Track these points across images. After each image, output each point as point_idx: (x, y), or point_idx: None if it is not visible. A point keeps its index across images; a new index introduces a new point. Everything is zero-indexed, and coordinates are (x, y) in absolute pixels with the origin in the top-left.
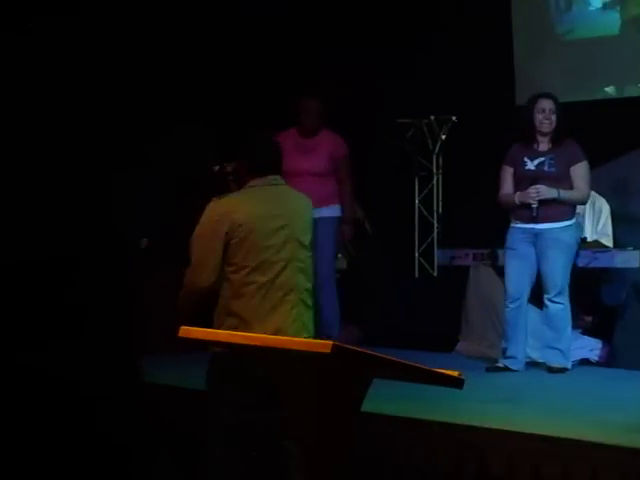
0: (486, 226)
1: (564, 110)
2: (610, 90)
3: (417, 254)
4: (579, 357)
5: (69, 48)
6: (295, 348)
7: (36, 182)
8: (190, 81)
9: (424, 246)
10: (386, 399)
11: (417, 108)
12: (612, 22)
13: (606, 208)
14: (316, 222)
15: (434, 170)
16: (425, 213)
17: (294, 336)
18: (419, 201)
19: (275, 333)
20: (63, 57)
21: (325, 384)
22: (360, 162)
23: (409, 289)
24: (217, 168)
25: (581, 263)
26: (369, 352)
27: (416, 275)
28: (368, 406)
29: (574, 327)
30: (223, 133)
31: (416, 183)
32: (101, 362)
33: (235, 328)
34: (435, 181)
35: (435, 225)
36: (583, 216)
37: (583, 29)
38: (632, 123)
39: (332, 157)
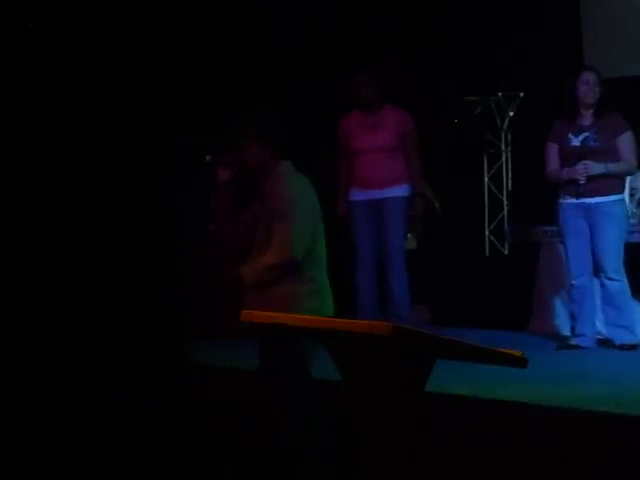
0: (556, 203)
1: (606, 84)
2: None
3: (487, 232)
4: None
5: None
6: (356, 330)
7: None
8: (252, 68)
9: (494, 224)
10: (454, 379)
11: (485, 85)
12: None
13: None
14: (385, 202)
15: (503, 147)
16: (495, 191)
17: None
18: (488, 179)
19: None
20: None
21: (386, 366)
22: (428, 141)
23: (480, 268)
24: (209, 158)
25: None
26: (429, 333)
27: (487, 253)
28: (435, 386)
29: None
30: (286, 120)
31: (485, 161)
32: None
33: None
34: (504, 158)
35: (505, 203)
36: None
37: None
38: None
39: (398, 131)
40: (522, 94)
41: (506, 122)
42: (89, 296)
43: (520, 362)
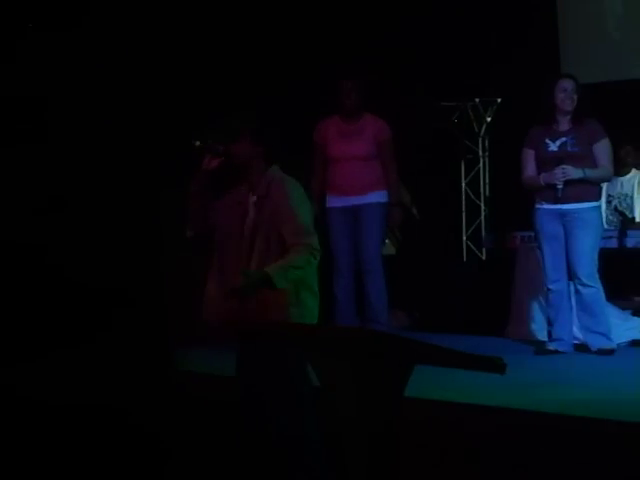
0: (533, 208)
1: (584, 90)
2: None
3: (465, 238)
4: (630, 338)
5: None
6: (334, 336)
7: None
8: (229, 71)
9: (472, 230)
10: (432, 384)
11: (462, 91)
12: None
13: None
14: (362, 208)
15: (480, 153)
16: (472, 196)
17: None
18: (466, 184)
19: None
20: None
21: (364, 371)
22: (406, 146)
23: (457, 273)
24: (198, 143)
25: (630, 243)
26: (408, 339)
27: (464, 259)
28: (413, 391)
29: (624, 308)
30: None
31: (462, 166)
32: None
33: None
34: (481, 164)
35: (482, 208)
36: (632, 197)
37: None
38: None
39: (377, 140)
40: (499, 100)
41: (483, 128)
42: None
43: (499, 367)
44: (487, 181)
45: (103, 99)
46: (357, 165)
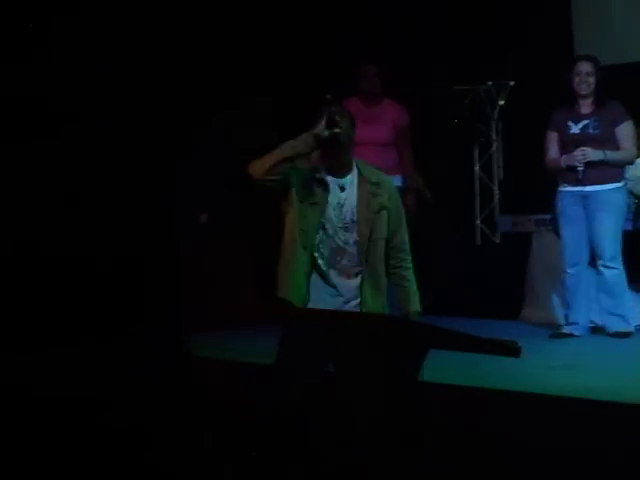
0: (547, 191)
1: (605, 72)
2: None
3: (478, 221)
4: None
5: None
6: (351, 320)
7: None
8: (245, 52)
9: (485, 213)
10: (447, 368)
11: (475, 74)
12: None
13: None
14: None
15: (493, 136)
16: (486, 180)
17: None
18: (479, 168)
19: None
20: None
21: (380, 356)
22: (419, 130)
23: (471, 257)
24: (329, 97)
25: None
26: (424, 323)
27: (478, 243)
28: (430, 375)
29: (638, 290)
30: (279, 104)
31: (475, 150)
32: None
33: None
34: (495, 147)
35: (496, 192)
36: None
37: None
38: None
39: (395, 126)
40: (512, 83)
41: (496, 111)
42: (84, 291)
43: (513, 351)
44: (500, 165)
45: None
46: (375, 150)
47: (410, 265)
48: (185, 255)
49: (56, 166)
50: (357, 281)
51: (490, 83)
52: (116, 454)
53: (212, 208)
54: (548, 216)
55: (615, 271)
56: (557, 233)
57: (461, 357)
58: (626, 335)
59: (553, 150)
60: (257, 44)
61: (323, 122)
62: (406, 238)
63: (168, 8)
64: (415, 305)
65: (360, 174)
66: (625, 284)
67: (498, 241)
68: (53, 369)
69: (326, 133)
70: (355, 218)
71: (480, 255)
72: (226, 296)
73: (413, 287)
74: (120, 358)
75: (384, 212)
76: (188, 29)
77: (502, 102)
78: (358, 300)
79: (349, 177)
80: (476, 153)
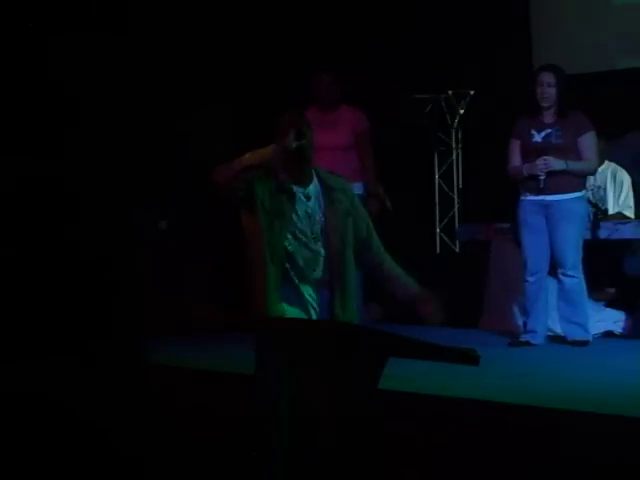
0: (507, 200)
1: (569, 81)
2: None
3: (438, 230)
4: (603, 329)
5: None
6: (309, 328)
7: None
8: (207, 62)
9: (445, 222)
10: (406, 376)
11: (435, 83)
12: None
13: (627, 180)
14: None
15: (453, 145)
16: (445, 189)
17: None
18: (439, 176)
19: None
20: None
21: (340, 364)
22: (379, 139)
23: (431, 266)
24: (295, 144)
25: (603, 235)
26: (384, 331)
27: (437, 251)
28: (389, 384)
29: (597, 299)
30: (240, 113)
31: (435, 158)
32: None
33: None
34: (455, 156)
35: (456, 200)
36: (605, 189)
37: None
38: None
39: (354, 131)
40: (472, 92)
41: (456, 120)
42: (42, 296)
43: (473, 360)
44: (460, 173)
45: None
46: (334, 156)
47: (391, 259)
48: (145, 262)
49: (17, 167)
50: (328, 294)
51: (450, 92)
52: (77, 460)
53: (172, 215)
54: (508, 225)
55: (575, 280)
56: (517, 242)
57: (419, 365)
58: (584, 344)
59: (515, 158)
60: (217, 52)
61: (292, 134)
62: (378, 240)
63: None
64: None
65: (322, 182)
66: (585, 293)
67: (458, 250)
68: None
69: (294, 145)
70: (323, 226)
71: (440, 263)
72: (183, 305)
73: (404, 272)
74: (80, 365)
75: (349, 219)
76: (152, 37)
77: (462, 111)
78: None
79: (312, 186)
80: (436, 162)
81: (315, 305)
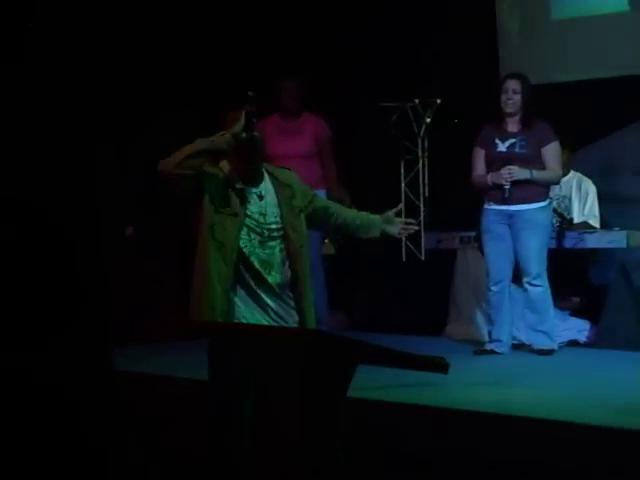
0: (473, 209)
1: (533, 91)
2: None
3: (404, 238)
4: (567, 338)
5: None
6: (276, 336)
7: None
8: (173, 66)
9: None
10: (374, 384)
11: (402, 91)
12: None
13: (592, 189)
14: None
15: (420, 153)
16: (412, 197)
17: None
18: (405, 185)
19: None
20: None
21: (309, 371)
22: (345, 147)
23: (396, 273)
24: (251, 94)
25: (568, 244)
26: (353, 339)
27: (403, 259)
28: (355, 392)
29: (562, 308)
30: (207, 118)
31: (402, 167)
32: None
33: None
34: (421, 164)
35: (422, 209)
36: (570, 198)
37: (570, 8)
38: (617, 104)
39: (316, 139)
40: (439, 101)
41: (423, 128)
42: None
43: (442, 367)
44: (426, 182)
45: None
46: (297, 163)
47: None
48: (111, 268)
49: None
50: (290, 299)
51: (417, 100)
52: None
53: (138, 221)
54: (473, 233)
55: (540, 288)
56: (482, 250)
57: (384, 373)
58: (549, 352)
59: (480, 167)
60: (184, 58)
61: (241, 122)
62: (334, 203)
63: (92, 20)
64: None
65: (274, 178)
66: (550, 302)
67: (423, 258)
68: None
69: (244, 135)
70: (280, 226)
71: (405, 271)
72: (149, 311)
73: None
74: (46, 369)
75: (302, 215)
76: (113, 40)
77: (429, 119)
78: (296, 318)
79: (263, 184)
80: (402, 170)
81: (276, 309)
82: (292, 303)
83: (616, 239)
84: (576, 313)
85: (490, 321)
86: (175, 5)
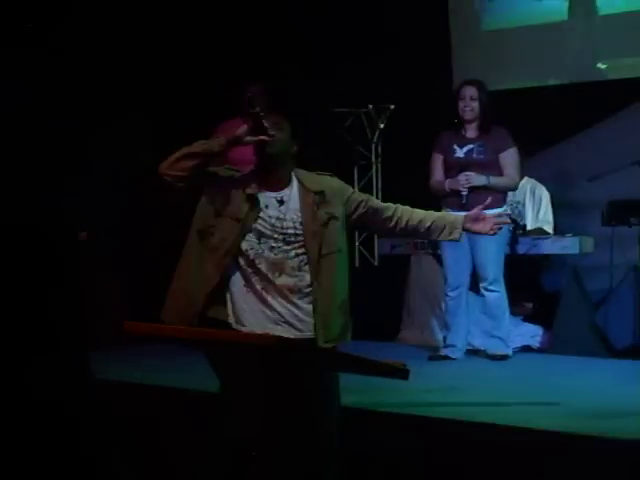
0: None
1: (491, 97)
2: (545, 79)
3: (357, 243)
4: (520, 344)
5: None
6: (240, 341)
7: None
8: (128, 72)
9: (364, 236)
10: None
11: (355, 97)
12: (537, 11)
13: (546, 195)
14: None
15: (373, 159)
16: None
17: None
18: (359, 190)
19: None
20: None
21: (270, 377)
22: (299, 152)
23: (350, 279)
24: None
25: (521, 250)
26: (315, 345)
27: (357, 265)
28: None
29: (515, 314)
30: (160, 124)
31: (355, 172)
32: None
33: None
34: (374, 170)
35: None
36: (524, 205)
37: (506, 19)
38: (570, 110)
39: None
40: (392, 106)
41: (377, 134)
42: None
43: (402, 373)
44: (380, 187)
45: None
46: None
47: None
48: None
49: None
50: (308, 306)
51: (371, 106)
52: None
53: (92, 226)
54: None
55: (497, 294)
56: (435, 256)
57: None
58: (504, 358)
59: (438, 173)
60: (139, 62)
61: (244, 127)
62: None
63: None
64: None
65: (302, 185)
66: (506, 307)
67: (376, 263)
68: None
69: (247, 139)
70: (300, 232)
71: (358, 277)
72: (103, 316)
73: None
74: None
75: (333, 222)
76: (70, 43)
77: (382, 125)
78: (311, 327)
79: (287, 190)
80: (356, 175)
81: (284, 314)
82: (308, 309)
83: (568, 245)
84: (529, 319)
85: (445, 326)
86: (124, 9)
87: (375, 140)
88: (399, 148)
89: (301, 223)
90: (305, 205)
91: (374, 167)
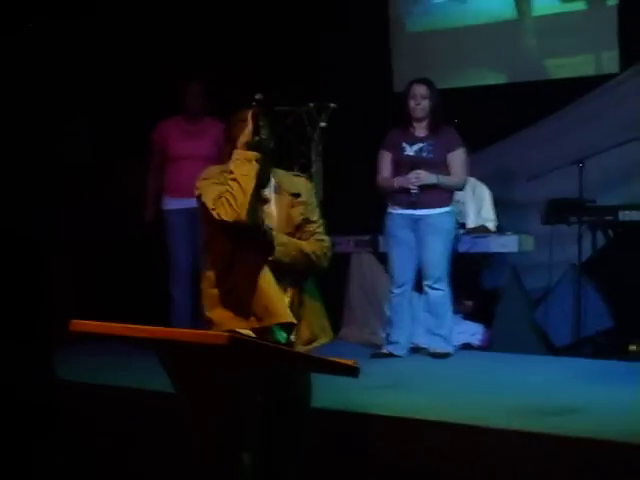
0: (367, 213)
1: (440, 96)
2: (488, 77)
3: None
4: (461, 342)
5: None
6: (192, 340)
7: None
8: (65, 69)
9: None
10: None
11: (296, 96)
12: (481, 11)
13: (487, 194)
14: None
15: (313, 157)
16: None
17: None
18: None
19: None
20: None
21: (223, 376)
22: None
23: None
24: (259, 97)
25: (462, 248)
26: (266, 343)
27: None
28: None
29: (456, 312)
30: (96, 122)
31: (295, 171)
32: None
33: None
34: (315, 169)
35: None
36: (464, 203)
37: (443, 19)
38: (511, 109)
39: (217, 142)
40: (333, 105)
41: (317, 133)
42: None
43: (352, 371)
44: (321, 186)
45: None
46: (198, 165)
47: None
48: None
49: None
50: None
51: (312, 105)
52: None
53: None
54: (367, 237)
55: (440, 292)
56: (376, 254)
57: None
58: (445, 356)
59: (386, 170)
60: (79, 62)
61: (249, 127)
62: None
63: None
64: None
65: (278, 185)
66: (449, 306)
67: None
68: None
69: (256, 139)
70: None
71: None
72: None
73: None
74: None
75: (305, 224)
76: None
77: (323, 124)
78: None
79: (265, 190)
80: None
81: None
82: None
83: (508, 243)
84: (469, 317)
85: (389, 324)
86: (73, 9)
87: (316, 139)
88: (339, 146)
89: (275, 224)
90: (280, 205)
91: (314, 166)
